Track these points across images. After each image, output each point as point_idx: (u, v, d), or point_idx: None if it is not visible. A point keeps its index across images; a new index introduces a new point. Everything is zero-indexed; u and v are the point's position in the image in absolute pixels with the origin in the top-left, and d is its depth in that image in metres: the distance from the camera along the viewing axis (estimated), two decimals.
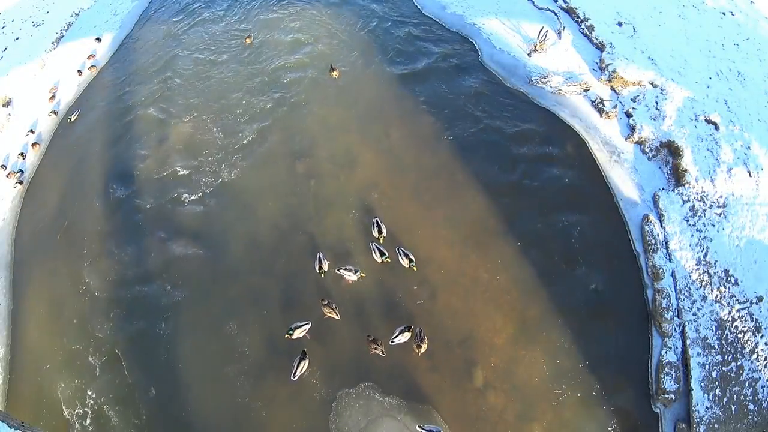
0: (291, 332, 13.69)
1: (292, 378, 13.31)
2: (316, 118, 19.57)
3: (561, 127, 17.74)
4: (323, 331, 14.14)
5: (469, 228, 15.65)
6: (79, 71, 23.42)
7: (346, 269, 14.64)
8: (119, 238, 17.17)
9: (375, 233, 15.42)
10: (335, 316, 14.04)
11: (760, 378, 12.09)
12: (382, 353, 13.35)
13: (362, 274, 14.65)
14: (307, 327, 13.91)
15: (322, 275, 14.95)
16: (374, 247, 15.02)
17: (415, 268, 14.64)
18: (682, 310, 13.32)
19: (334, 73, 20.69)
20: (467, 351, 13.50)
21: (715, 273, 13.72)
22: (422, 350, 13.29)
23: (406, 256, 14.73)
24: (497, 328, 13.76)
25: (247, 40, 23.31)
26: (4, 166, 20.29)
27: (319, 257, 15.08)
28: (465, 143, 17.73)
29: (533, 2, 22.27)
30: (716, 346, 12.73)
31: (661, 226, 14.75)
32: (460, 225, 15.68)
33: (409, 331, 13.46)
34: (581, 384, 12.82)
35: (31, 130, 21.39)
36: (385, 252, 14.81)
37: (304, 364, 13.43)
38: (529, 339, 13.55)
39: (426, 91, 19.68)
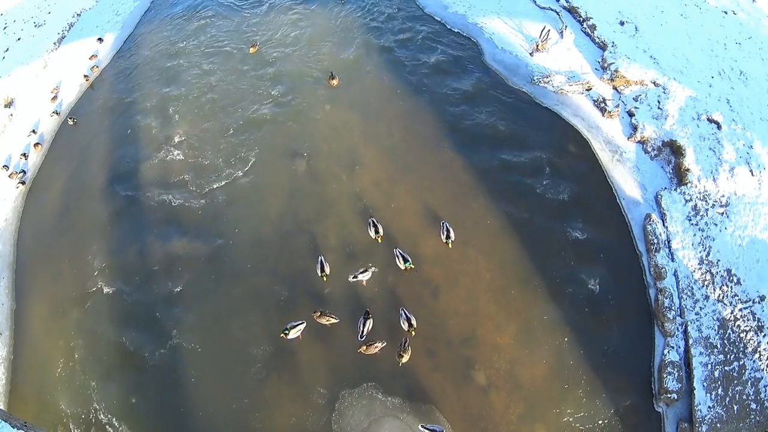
0: (287, 332, 13.73)
1: (359, 339, 13.60)
2: (318, 118, 19.59)
3: (563, 127, 17.74)
4: (326, 331, 14.16)
5: (471, 227, 15.66)
6: (85, 76, 23.42)
7: (359, 273, 14.59)
8: (122, 238, 17.20)
9: (372, 233, 15.41)
10: (334, 320, 14.06)
11: (762, 377, 12.07)
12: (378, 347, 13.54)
13: (374, 269, 14.70)
14: (302, 327, 13.95)
15: (324, 278, 14.91)
16: (398, 253, 14.83)
17: (411, 267, 14.59)
18: (685, 310, 13.33)
19: (334, 82, 20.53)
20: (470, 350, 13.51)
21: (717, 272, 13.71)
22: (403, 360, 13.20)
23: (402, 256, 14.69)
24: (500, 328, 13.77)
25: (252, 49, 22.90)
26: (6, 167, 20.32)
27: (321, 261, 15.02)
28: (467, 143, 17.74)
29: (535, 1, 22.28)
30: (719, 346, 12.73)
31: (664, 225, 14.75)
32: (462, 224, 15.67)
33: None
34: (584, 383, 12.83)
35: (33, 131, 21.44)
36: (409, 258, 14.65)
37: (370, 323, 13.75)
38: (532, 338, 13.55)
39: (428, 91, 19.70)
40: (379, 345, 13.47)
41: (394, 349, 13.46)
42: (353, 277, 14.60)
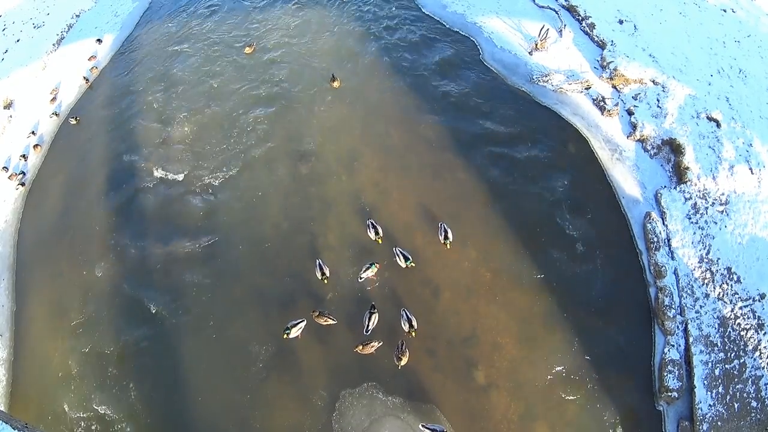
0: (288, 331, 13.76)
1: (365, 333, 13.68)
2: (317, 119, 19.57)
3: (562, 126, 17.73)
4: (326, 331, 14.15)
5: (470, 226, 15.65)
6: (84, 77, 23.43)
7: (365, 272, 14.58)
8: (121, 238, 17.21)
9: (372, 235, 15.39)
10: (332, 321, 14.06)
11: (763, 375, 12.07)
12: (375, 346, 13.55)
13: (377, 265, 14.71)
14: (303, 324, 13.99)
15: (325, 281, 14.87)
16: (398, 252, 14.85)
17: (412, 265, 14.64)
18: (685, 308, 13.32)
19: (335, 84, 20.40)
20: (470, 350, 13.51)
21: (717, 270, 13.70)
22: (402, 363, 13.16)
23: (403, 255, 14.73)
24: (500, 327, 13.77)
25: (248, 49, 22.78)
26: (5, 168, 20.32)
27: (319, 264, 14.95)
28: (467, 142, 17.72)
29: (534, 0, 22.25)
30: (719, 344, 12.72)
31: (664, 223, 14.74)
32: (462, 224, 15.67)
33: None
34: (584, 382, 12.82)
35: (33, 132, 21.46)
36: (409, 257, 14.69)
37: (375, 318, 13.83)
38: (532, 337, 13.55)
39: (427, 91, 19.68)
40: (376, 345, 13.46)
41: (392, 350, 13.44)
42: (361, 277, 14.59)
